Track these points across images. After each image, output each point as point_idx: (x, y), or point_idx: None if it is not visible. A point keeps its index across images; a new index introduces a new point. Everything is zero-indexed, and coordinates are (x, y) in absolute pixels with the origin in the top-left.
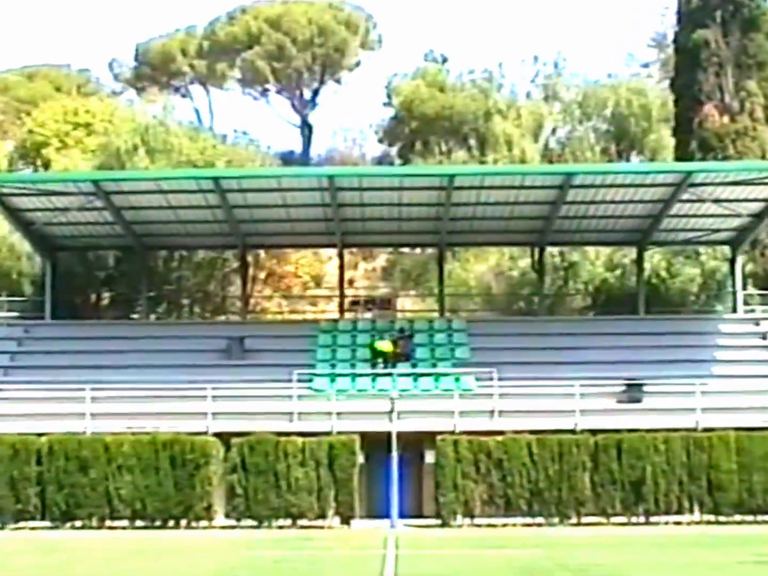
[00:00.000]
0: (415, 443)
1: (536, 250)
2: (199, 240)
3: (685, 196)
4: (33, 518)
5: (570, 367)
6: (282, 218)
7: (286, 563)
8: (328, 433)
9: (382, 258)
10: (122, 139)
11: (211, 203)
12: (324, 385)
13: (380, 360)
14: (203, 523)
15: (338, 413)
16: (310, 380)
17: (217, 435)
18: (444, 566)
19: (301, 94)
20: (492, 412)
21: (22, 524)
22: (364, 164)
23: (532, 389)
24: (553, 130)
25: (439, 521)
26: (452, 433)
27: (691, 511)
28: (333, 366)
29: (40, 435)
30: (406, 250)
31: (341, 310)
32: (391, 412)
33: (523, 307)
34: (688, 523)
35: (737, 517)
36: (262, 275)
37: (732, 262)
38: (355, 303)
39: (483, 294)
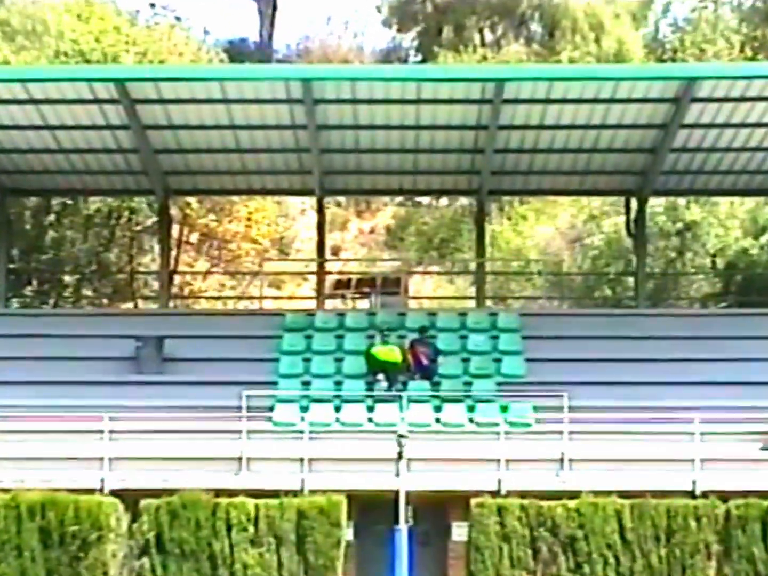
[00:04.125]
0: (437, 510)
1: (634, 203)
2: (94, 180)
3: None
4: None
5: (686, 391)
6: (227, 147)
7: None
8: (296, 493)
9: (386, 213)
10: None
11: (112, 122)
12: (290, 415)
13: (382, 376)
14: None
15: (313, 460)
16: (270, 408)
17: (118, 494)
18: None
19: None
20: (560, 461)
21: None
22: (360, 62)
23: (625, 426)
24: (666, 9)
25: None
26: (496, 493)
27: None
28: (306, 385)
29: None
30: (424, 200)
31: (320, 296)
32: (399, 459)
33: (611, 293)
34: None
35: None
36: (193, 238)
37: None
38: (342, 284)
39: (548, 272)
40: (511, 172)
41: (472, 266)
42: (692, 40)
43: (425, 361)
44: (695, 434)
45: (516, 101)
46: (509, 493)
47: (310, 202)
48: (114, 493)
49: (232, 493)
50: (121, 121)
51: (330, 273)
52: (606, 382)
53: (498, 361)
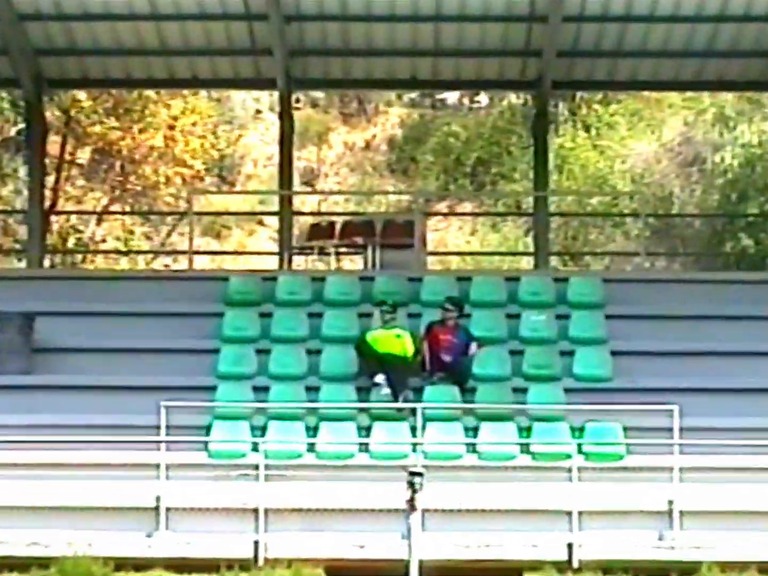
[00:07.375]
0: None
1: None
2: None
3: None
4: None
5: None
6: (136, 12)
7: None
8: (245, 564)
9: (390, 118)
10: None
11: None
12: (237, 440)
13: (383, 378)
14: None
15: (273, 512)
16: (204, 428)
17: None
18: None
19: None
20: (667, 513)
21: None
22: None
23: None
24: None
25: None
26: (566, 566)
27: None
28: (261, 392)
29: None
30: (451, 97)
31: (285, 251)
32: (410, 510)
33: (750, 248)
34: None
35: None
36: (82, 158)
37: None
38: (321, 232)
39: (647, 214)
40: (590, 53)
41: (528, 204)
42: None
43: (451, 356)
44: None
45: None
46: (585, 565)
47: (269, 100)
48: None
49: (142, 563)
50: None
51: (301, 213)
52: (738, 389)
53: (568, 354)
